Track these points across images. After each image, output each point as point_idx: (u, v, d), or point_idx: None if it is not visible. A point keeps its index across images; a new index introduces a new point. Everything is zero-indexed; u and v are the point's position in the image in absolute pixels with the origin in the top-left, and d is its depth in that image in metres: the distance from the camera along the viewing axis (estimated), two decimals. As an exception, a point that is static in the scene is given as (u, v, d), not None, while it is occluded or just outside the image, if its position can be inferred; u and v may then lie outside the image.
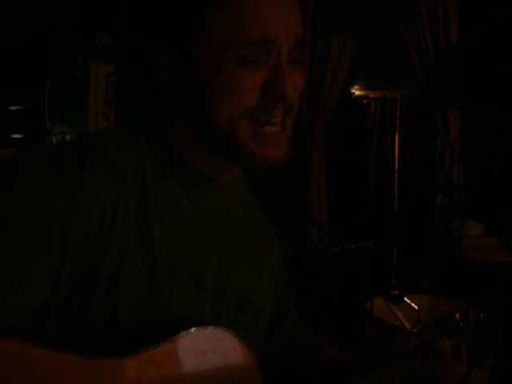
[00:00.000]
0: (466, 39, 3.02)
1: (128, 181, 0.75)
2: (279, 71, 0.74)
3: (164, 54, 0.78)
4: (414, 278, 2.93)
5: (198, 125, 0.79)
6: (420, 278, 2.91)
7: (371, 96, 3.88)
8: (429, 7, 3.02)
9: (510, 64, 2.87)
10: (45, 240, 0.67)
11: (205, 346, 0.74)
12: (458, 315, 1.00)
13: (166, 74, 0.79)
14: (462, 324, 1.00)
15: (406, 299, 1.52)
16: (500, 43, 2.92)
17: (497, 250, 2.57)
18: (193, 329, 0.73)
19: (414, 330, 1.51)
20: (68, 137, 3.62)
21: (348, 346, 0.99)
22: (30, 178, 0.69)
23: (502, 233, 2.65)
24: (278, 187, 0.98)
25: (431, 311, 2.09)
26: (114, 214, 0.72)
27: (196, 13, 0.74)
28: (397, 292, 1.60)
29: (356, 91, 3.77)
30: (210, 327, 0.75)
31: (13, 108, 4.33)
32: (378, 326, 1.92)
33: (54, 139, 3.83)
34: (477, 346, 1.01)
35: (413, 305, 1.49)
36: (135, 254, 0.73)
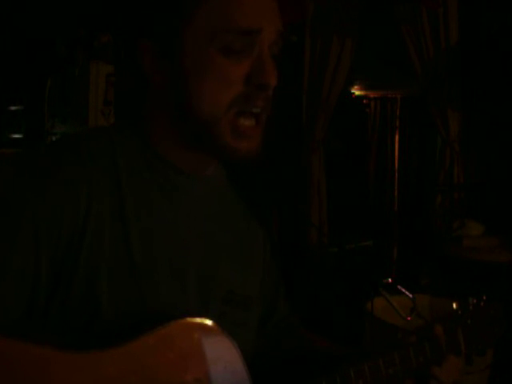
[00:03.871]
0: (466, 39, 3.02)
1: (102, 180, 0.76)
2: (263, 62, 0.78)
3: (149, 45, 0.79)
4: (414, 278, 2.93)
5: (178, 118, 0.81)
6: (420, 278, 2.91)
7: (371, 96, 3.88)
8: (429, 7, 3.02)
9: (509, 64, 2.87)
10: (19, 238, 0.69)
11: (187, 337, 0.74)
12: (455, 304, 0.99)
13: (151, 66, 0.80)
14: (460, 312, 0.98)
15: (399, 287, 1.50)
16: (500, 43, 2.92)
17: (497, 250, 2.57)
18: (173, 320, 0.73)
19: (409, 318, 1.48)
20: (68, 137, 3.62)
21: (348, 346, 0.98)
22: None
23: (502, 233, 2.65)
24: (258, 179, 0.99)
25: (431, 311, 2.09)
26: (87, 214, 0.73)
27: (183, 2, 0.76)
28: (390, 280, 1.59)
29: (356, 91, 3.78)
30: (191, 318, 0.75)
31: (13, 108, 4.33)
32: (378, 325, 1.92)
33: (54, 139, 3.83)
34: (477, 334, 0.98)
35: (407, 293, 1.48)
36: (110, 252, 0.74)
